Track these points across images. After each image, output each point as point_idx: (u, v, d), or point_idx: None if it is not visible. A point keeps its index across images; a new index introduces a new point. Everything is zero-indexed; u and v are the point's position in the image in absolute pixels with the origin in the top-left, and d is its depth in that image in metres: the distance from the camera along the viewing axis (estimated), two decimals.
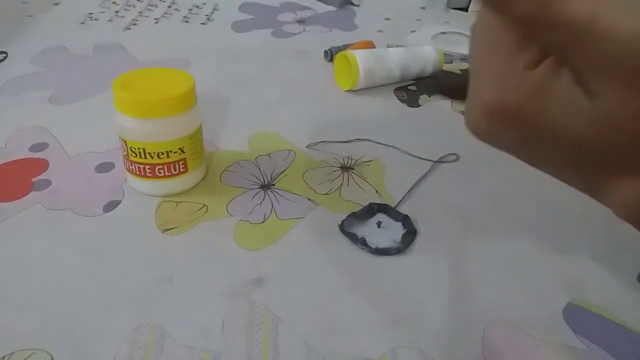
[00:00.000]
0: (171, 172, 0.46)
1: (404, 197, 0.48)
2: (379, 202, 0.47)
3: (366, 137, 0.56)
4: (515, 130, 0.20)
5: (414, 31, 0.86)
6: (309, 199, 0.48)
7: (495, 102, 0.20)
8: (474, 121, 0.21)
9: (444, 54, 0.78)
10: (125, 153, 0.45)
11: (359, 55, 0.65)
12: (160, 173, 0.45)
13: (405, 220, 0.45)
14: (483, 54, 0.21)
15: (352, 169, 0.52)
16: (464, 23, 0.91)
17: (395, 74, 0.68)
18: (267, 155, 0.53)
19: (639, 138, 0.19)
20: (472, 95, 0.21)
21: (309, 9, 0.94)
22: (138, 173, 0.46)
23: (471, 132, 0.21)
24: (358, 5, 0.95)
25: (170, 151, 0.44)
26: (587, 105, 0.19)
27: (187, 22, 0.87)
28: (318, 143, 0.55)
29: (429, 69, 0.70)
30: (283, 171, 0.51)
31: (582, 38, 0.18)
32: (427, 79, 0.70)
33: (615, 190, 0.21)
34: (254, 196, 0.48)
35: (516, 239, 0.43)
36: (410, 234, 0.43)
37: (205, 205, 0.46)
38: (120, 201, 0.47)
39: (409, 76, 0.69)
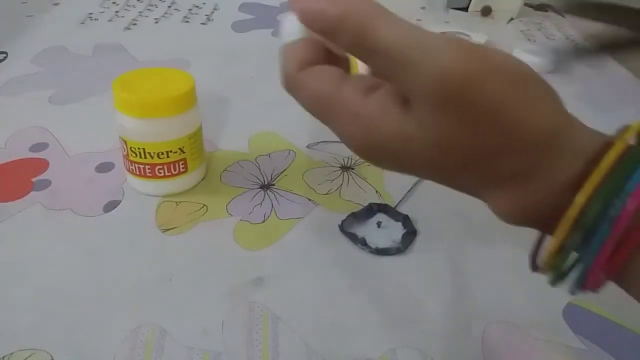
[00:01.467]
0: (171, 172, 0.46)
1: (404, 197, 0.48)
2: (379, 202, 0.47)
3: None
4: (385, 159, 0.24)
5: None
6: (309, 199, 0.48)
7: (356, 149, 0.24)
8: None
9: None
10: (125, 153, 0.45)
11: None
12: (160, 173, 0.45)
13: (406, 220, 0.45)
14: (328, 115, 0.25)
15: (352, 169, 0.52)
16: (464, 23, 0.91)
17: None
18: (267, 155, 0.53)
19: (465, 154, 0.22)
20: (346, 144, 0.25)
21: None
22: (138, 173, 0.46)
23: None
24: None
25: (170, 151, 0.44)
26: (415, 130, 0.22)
27: (187, 22, 0.87)
28: (318, 143, 0.55)
29: None
30: (283, 171, 0.51)
31: (396, 69, 0.21)
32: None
33: (491, 201, 0.24)
34: (254, 196, 0.48)
35: (516, 239, 0.43)
36: (410, 234, 0.43)
37: (205, 205, 0.46)
38: (120, 201, 0.47)
39: None
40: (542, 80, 0.22)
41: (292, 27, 0.26)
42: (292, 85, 0.25)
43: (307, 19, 0.23)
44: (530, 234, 0.26)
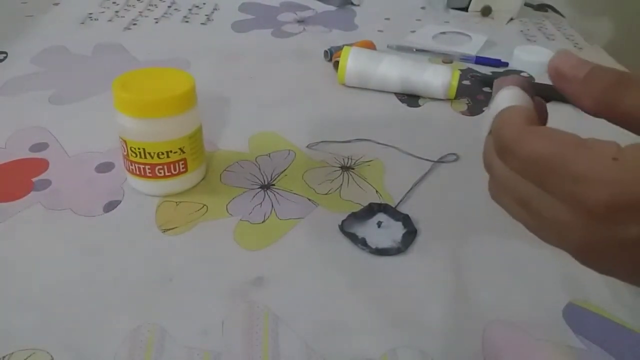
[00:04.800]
0: (171, 172, 0.46)
1: (404, 197, 0.48)
2: (379, 202, 0.47)
3: (366, 137, 0.56)
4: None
5: (414, 31, 0.86)
6: (309, 199, 0.48)
7: (601, 203, 0.21)
8: (580, 237, 0.22)
9: (444, 53, 0.78)
10: (125, 153, 0.45)
11: (354, 50, 0.65)
12: (160, 173, 0.45)
13: (406, 220, 0.45)
14: (568, 165, 0.21)
15: (352, 169, 0.52)
16: (464, 23, 0.91)
17: (394, 82, 0.64)
18: (267, 155, 0.53)
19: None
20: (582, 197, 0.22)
21: (309, 9, 0.94)
22: (138, 173, 0.46)
23: (578, 253, 0.23)
24: (358, 5, 0.95)
25: (170, 151, 0.44)
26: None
27: (187, 22, 0.87)
28: (318, 143, 0.55)
29: (437, 93, 0.63)
30: (283, 171, 0.51)
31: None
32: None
33: None
34: (254, 196, 0.48)
35: (516, 239, 0.43)
36: (411, 233, 0.43)
37: (205, 205, 0.46)
38: (120, 201, 0.47)
39: (410, 90, 0.64)
40: None
41: (504, 99, 0.26)
42: (515, 142, 0.23)
43: (564, 68, 0.24)
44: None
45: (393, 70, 0.64)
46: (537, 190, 0.23)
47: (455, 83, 0.63)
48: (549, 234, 0.23)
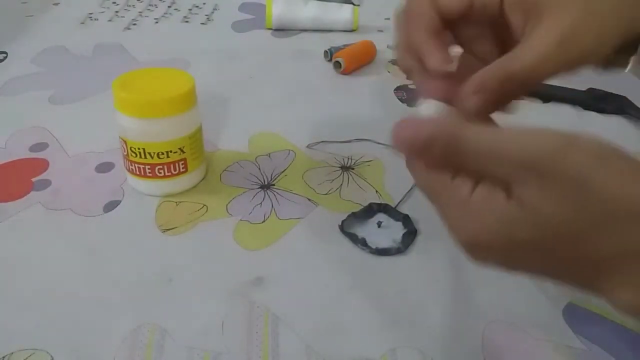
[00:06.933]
0: (171, 172, 0.46)
1: (404, 197, 0.48)
2: (379, 202, 0.47)
3: (366, 137, 0.56)
4: (495, 254, 0.25)
5: None
6: (309, 199, 0.48)
7: (466, 242, 0.25)
8: (465, 254, 0.26)
9: None
10: (125, 153, 0.45)
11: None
12: (160, 173, 0.45)
13: (406, 219, 0.45)
14: (439, 209, 0.27)
15: (352, 169, 0.52)
16: None
17: (307, 22, 0.82)
18: (267, 155, 0.53)
19: (570, 230, 0.22)
20: (452, 236, 0.26)
21: None
22: (138, 173, 0.46)
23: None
24: (358, 5, 0.95)
25: (170, 151, 0.45)
26: (521, 214, 0.23)
27: (187, 22, 0.87)
28: (318, 143, 0.55)
29: (340, 25, 0.82)
30: (283, 171, 0.51)
31: (490, 161, 0.23)
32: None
33: (613, 294, 0.23)
34: (254, 196, 0.48)
35: None
36: (411, 233, 0.43)
37: (205, 205, 0.46)
38: (121, 201, 0.47)
39: (321, 26, 0.82)
40: (627, 156, 0.22)
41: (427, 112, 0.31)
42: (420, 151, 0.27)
43: (401, 144, 0.26)
44: None
45: (309, 11, 0.81)
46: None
47: (356, 18, 0.82)
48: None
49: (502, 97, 0.30)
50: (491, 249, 0.25)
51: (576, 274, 0.24)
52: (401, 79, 0.69)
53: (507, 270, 0.25)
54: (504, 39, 0.32)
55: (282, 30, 0.83)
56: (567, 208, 0.22)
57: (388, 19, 0.90)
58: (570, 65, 0.29)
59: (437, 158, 0.25)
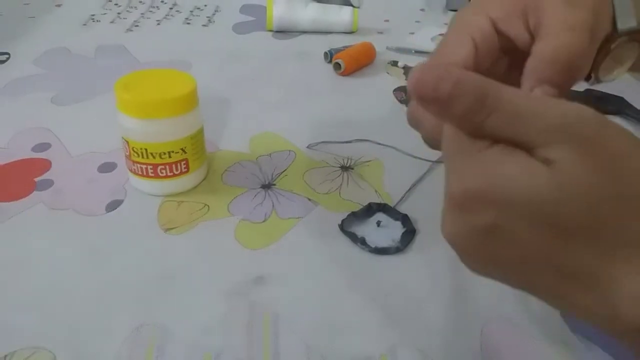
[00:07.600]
0: (173, 172, 0.46)
1: (403, 197, 0.48)
2: (378, 201, 0.47)
3: (366, 137, 0.56)
4: (487, 213, 0.22)
5: (413, 33, 0.86)
6: (309, 199, 0.48)
7: (458, 193, 0.23)
8: (447, 226, 0.24)
9: None
10: (127, 153, 0.46)
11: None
12: (162, 173, 0.46)
13: (405, 219, 0.45)
14: (446, 159, 0.24)
15: (352, 169, 0.52)
16: None
17: (307, 23, 0.82)
18: (267, 155, 0.54)
19: (601, 196, 0.21)
20: (444, 199, 0.24)
21: None
22: (140, 173, 0.46)
23: (449, 243, 0.25)
24: (358, 7, 0.95)
25: (172, 151, 0.45)
26: (546, 171, 0.21)
27: (188, 24, 0.87)
28: (318, 143, 0.56)
29: (340, 27, 0.83)
30: (283, 171, 0.51)
31: (522, 119, 0.22)
32: None
33: (618, 284, 0.21)
34: (254, 196, 0.48)
35: None
36: (410, 233, 0.44)
37: (206, 204, 0.47)
38: (123, 201, 0.47)
39: (321, 28, 0.83)
40: None
41: None
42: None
43: (422, 87, 0.22)
44: None
45: (308, 13, 0.82)
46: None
47: (356, 19, 0.83)
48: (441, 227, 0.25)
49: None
50: (494, 203, 0.22)
51: (581, 257, 0.22)
52: (400, 80, 0.70)
53: (493, 249, 0.23)
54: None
55: (282, 32, 0.84)
56: (601, 179, 0.21)
57: (387, 20, 0.91)
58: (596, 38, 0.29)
59: (460, 110, 0.22)
